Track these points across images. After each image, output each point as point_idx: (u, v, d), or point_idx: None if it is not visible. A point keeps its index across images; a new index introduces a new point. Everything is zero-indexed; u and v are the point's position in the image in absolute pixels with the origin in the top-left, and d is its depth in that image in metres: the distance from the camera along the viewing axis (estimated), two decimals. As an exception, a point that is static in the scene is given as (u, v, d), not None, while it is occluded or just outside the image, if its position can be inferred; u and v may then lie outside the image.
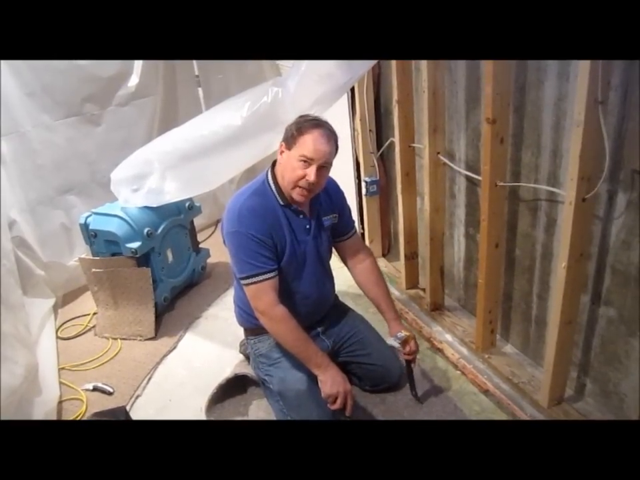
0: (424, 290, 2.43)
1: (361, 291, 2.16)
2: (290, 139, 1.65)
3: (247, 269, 1.69)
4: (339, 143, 1.73)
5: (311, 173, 1.63)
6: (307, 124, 1.65)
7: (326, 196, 1.84)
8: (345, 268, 2.04)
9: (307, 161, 1.63)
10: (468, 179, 2.09)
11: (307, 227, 1.81)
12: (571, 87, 1.51)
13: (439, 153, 2.08)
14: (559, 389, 1.78)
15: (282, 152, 1.70)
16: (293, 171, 1.65)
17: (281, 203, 1.74)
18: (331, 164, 1.71)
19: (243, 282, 1.71)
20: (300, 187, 1.67)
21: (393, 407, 1.94)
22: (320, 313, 1.95)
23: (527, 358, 2.05)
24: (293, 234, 1.77)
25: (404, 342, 1.84)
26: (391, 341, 1.87)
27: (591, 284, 1.65)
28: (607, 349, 1.68)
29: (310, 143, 1.62)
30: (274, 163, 1.78)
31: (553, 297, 1.71)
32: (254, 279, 1.68)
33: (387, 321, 1.93)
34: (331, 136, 1.67)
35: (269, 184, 1.75)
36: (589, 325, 1.71)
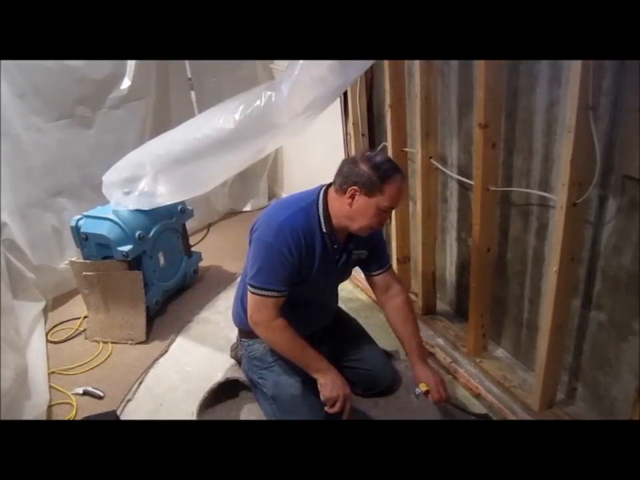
0: (416, 294, 2.43)
1: (353, 294, 2.16)
2: (370, 186, 1.57)
3: (260, 280, 1.64)
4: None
5: (389, 218, 1.67)
6: (390, 170, 1.58)
7: None
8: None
9: (390, 209, 1.63)
10: (460, 183, 2.10)
11: (337, 257, 1.78)
12: (562, 92, 1.52)
13: (431, 157, 2.08)
14: (550, 393, 1.78)
15: (353, 195, 1.60)
16: (372, 217, 1.61)
17: (324, 230, 1.69)
18: None
19: (250, 288, 1.66)
20: (372, 228, 1.66)
21: (385, 411, 1.94)
22: (320, 326, 1.95)
23: (518, 362, 2.05)
24: (322, 262, 1.72)
25: (426, 393, 1.74)
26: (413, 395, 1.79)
27: (581, 288, 1.66)
28: (597, 353, 1.68)
29: (395, 191, 1.58)
30: (328, 186, 1.72)
31: (544, 301, 1.72)
32: (262, 292, 1.64)
33: (410, 364, 1.83)
34: (405, 177, 1.66)
35: (317, 208, 1.69)
36: (579, 329, 1.72)
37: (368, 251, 1.85)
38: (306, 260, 1.68)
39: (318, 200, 1.70)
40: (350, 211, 1.63)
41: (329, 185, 1.72)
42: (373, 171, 1.57)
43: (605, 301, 1.60)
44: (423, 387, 1.74)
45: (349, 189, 1.60)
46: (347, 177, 1.61)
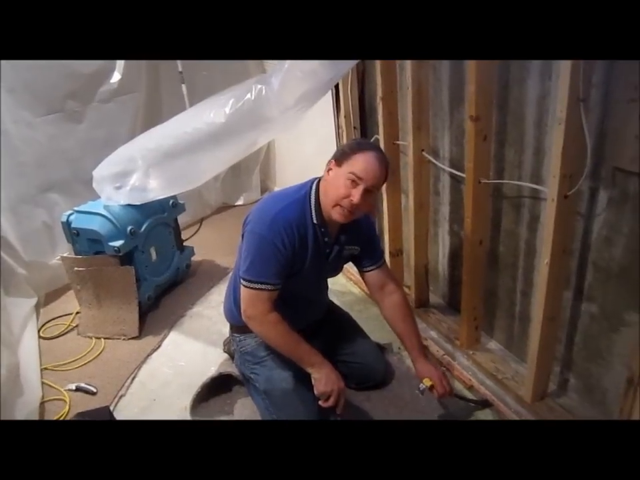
0: (409, 287, 2.43)
1: (345, 288, 2.15)
2: (341, 156, 1.60)
3: (254, 273, 1.64)
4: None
5: (356, 194, 1.56)
6: (366, 145, 1.62)
7: (355, 226, 1.75)
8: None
9: (355, 180, 1.56)
10: (452, 176, 2.10)
11: (328, 251, 1.77)
12: (553, 85, 1.52)
13: (423, 150, 2.08)
14: (543, 384, 1.79)
15: (330, 169, 1.63)
16: (337, 188, 1.59)
17: (315, 221, 1.69)
18: (378, 190, 1.67)
19: (244, 282, 1.65)
20: (341, 206, 1.60)
21: (378, 404, 1.95)
22: (311, 320, 1.94)
23: (510, 354, 2.06)
24: (314, 255, 1.72)
25: (430, 388, 1.76)
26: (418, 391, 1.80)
27: (573, 280, 1.67)
28: (589, 344, 1.69)
29: (362, 161, 1.56)
30: (320, 179, 1.72)
31: (536, 293, 1.72)
32: (256, 285, 1.63)
33: (411, 360, 1.86)
34: (384, 161, 1.61)
35: (309, 199, 1.69)
36: (571, 320, 1.73)
37: (360, 246, 1.84)
38: (299, 253, 1.67)
39: (310, 191, 1.70)
40: (325, 186, 1.65)
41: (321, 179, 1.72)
42: (348, 144, 1.64)
43: (596, 292, 1.61)
44: (427, 383, 1.75)
45: (328, 164, 1.65)
46: (331, 156, 1.66)
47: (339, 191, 1.59)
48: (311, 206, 1.68)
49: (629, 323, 1.52)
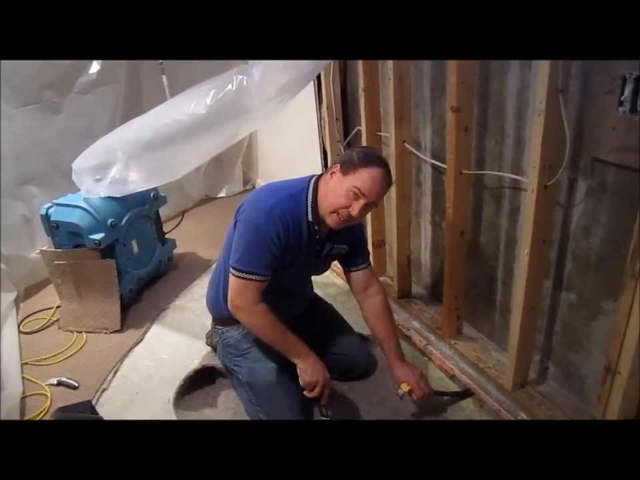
0: (391, 278, 2.44)
1: (329, 279, 2.14)
2: (349, 165, 1.59)
3: (245, 263, 1.62)
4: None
5: (356, 207, 1.58)
6: (374, 159, 1.60)
7: (346, 226, 1.73)
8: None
9: (358, 194, 1.57)
10: (434, 167, 2.11)
11: (318, 248, 1.77)
12: (533, 76, 1.53)
13: (405, 141, 2.09)
14: (523, 373, 1.82)
15: (333, 173, 1.63)
16: (338, 197, 1.59)
17: (309, 219, 1.68)
18: (377, 205, 1.68)
19: (234, 271, 1.64)
20: (338, 214, 1.61)
21: (361, 394, 1.96)
22: (293, 314, 1.93)
23: (492, 343, 2.08)
24: (305, 251, 1.71)
25: (409, 393, 1.76)
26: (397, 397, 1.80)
27: (552, 270, 1.69)
28: (568, 332, 1.72)
29: (368, 178, 1.56)
30: (320, 175, 1.72)
31: (517, 283, 1.74)
32: (247, 275, 1.62)
33: (388, 364, 1.86)
34: (389, 179, 1.63)
35: (307, 196, 1.68)
36: (551, 309, 1.75)
37: (349, 246, 1.85)
38: (291, 246, 1.67)
39: (308, 188, 1.69)
40: (326, 189, 1.64)
41: (321, 175, 1.72)
42: (357, 153, 1.61)
43: (575, 281, 1.63)
44: (405, 388, 1.76)
45: (333, 166, 1.64)
46: (336, 159, 1.66)
47: (339, 200, 1.59)
48: (307, 203, 1.67)
49: (607, 311, 1.54)
